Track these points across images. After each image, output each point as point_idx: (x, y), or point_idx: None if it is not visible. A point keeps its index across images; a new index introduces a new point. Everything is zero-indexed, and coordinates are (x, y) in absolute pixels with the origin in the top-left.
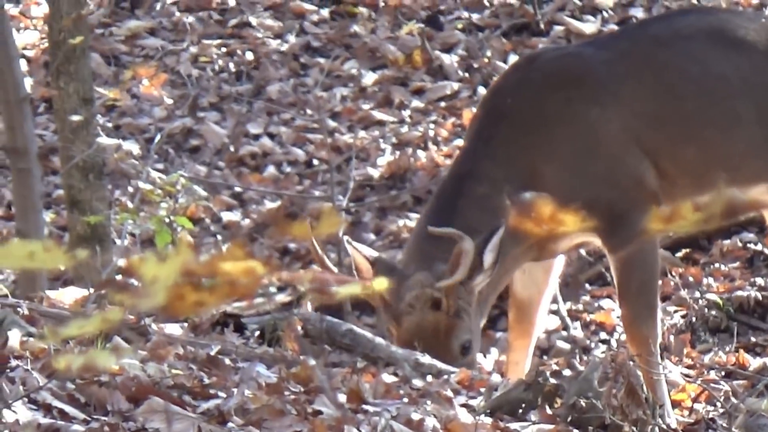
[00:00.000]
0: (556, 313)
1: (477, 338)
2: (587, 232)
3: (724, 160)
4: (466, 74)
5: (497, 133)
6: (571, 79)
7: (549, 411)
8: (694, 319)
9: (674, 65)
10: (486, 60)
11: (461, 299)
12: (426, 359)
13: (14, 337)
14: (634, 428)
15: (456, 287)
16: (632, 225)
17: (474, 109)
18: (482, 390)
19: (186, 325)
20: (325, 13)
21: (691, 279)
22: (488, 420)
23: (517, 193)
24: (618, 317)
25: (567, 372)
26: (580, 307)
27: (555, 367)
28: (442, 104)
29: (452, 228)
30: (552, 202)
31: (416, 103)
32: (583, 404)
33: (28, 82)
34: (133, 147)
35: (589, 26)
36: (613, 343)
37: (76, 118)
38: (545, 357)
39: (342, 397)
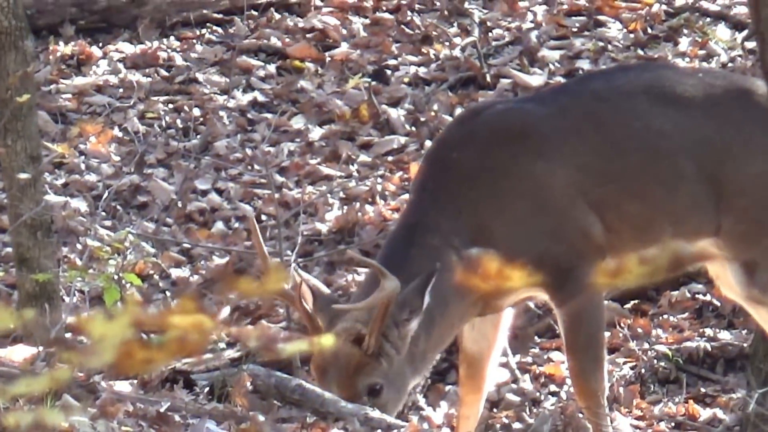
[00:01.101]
0: (505, 365)
1: (399, 387)
2: (534, 286)
3: (667, 214)
4: (413, 128)
5: (443, 186)
6: (515, 134)
7: None
8: (643, 370)
9: (615, 121)
10: (433, 113)
11: (390, 342)
12: (375, 414)
13: None
14: None
15: (384, 328)
16: (579, 278)
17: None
18: None
19: (135, 382)
20: (271, 68)
21: (639, 330)
22: None
23: (465, 246)
24: (567, 369)
25: (517, 425)
26: (530, 359)
27: (505, 420)
28: (390, 158)
29: (404, 275)
30: (498, 258)
31: (364, 157)
32: None
33: None
34: (80, 204)
35: (536, 78)
36: (563, 395)
37: (23, 175)
38: (495, 410)
39: None
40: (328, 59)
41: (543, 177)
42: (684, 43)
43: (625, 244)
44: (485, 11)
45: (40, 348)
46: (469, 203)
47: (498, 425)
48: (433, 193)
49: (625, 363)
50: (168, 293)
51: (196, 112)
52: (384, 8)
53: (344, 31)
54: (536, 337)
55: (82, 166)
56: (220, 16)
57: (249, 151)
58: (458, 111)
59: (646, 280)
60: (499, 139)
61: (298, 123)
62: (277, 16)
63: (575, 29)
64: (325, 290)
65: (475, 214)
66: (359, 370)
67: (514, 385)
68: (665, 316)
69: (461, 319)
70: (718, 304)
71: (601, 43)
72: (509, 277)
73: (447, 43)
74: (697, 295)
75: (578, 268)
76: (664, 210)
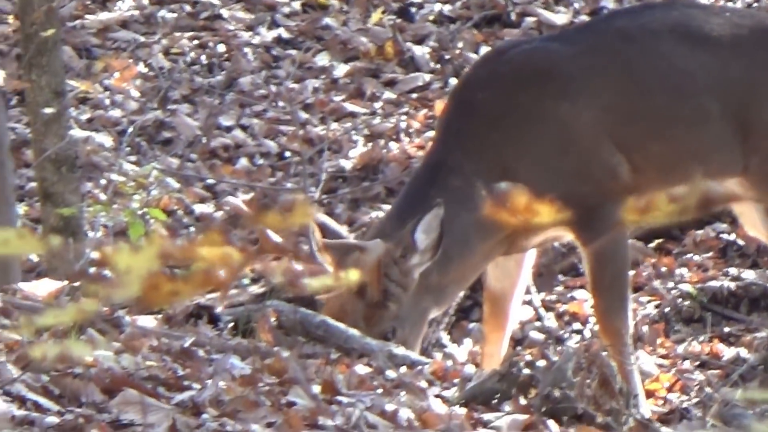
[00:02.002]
0: (529, 303)
1: (416, 321)
2: (559, 226)
3: (693, 154)
4: (438, 66)
5: (468, 127)
6: (540, 74)
7: (523, 401)
8: (667, 309)
9: (640, 60)
10: (457, 51)
11: (394, 281)
12: (400, 351)
13: None
14: (608, 418)
15: (384, 269)
16: (605, 218)
17: (446, 101)
18: (456, 381)
19: (160, 317)
20: (296, 5)
21: (664, 269)
22: (462, 411)
23: (488, 187)
24: (591, 308)
25: (541, 363)
26: (554, 297)
27: (529, 358)
28: (414, 96)
29: (423, 215)
30: (527, 192)
31: (388, 94)
32: (557, 395)
33: (0, 75)
34: (105, 140)
35: (560, 17)
36: (587, 334)
37: (48, 110)
38: (519, 348)
39: (316, 389)
40: None
41: (568, 117)
42: None
43: (651, 183)
44: None
45: (65, 282)
46: (493, 144)
47: (521, 363)
48: (457, 134)
49: (649, 302)
50: (192, 228)
51: (221, 48)
52: None
53: None
54: (560, 276)
55: (107, 102)
56: None
57: (273, 88)
58: (483, 49)
59: (674, 219)
60: (524, 80)
61: (322, 60)
62: None
63: None
64: (334, 226)
65: (499, 154)
66: (368, 321)
67: (537, 323)
68: (689, 255)
69: (486, 257)
70: (743, 243)
71: None
72: (537, 212)
73: None
74: (721, 235)
75: (604, 208)
76: (689, 150)
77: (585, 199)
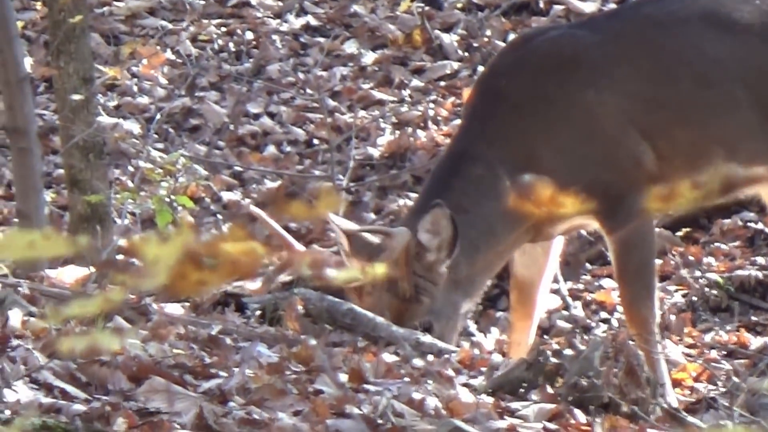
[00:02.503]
0: (556, 292)
1: (450, 314)
2: (585, 214)
3: (720, 142)
4: (466, 54)
5: (492, 115)
6: (566, 61)
7: (550, 390)
8: (694, 298)
9: (669, 48)
10: (485, 39)
11: (421, 277)
12: (426, 339)
13: (15, 317)
14: (635, 407)
15: (408, 267)
16: (630, 206)
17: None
18: (483, 369)
19: (187, 304)
20: None
21: (691, 258)
22: (489, 399)
23: (511, 175)
24: (618, 297)
25: (568, 351)
26: (581, 286)
27: (556, 347)
28: (442, 84)
29: (443, 203)
30: (551, 184)
31: (416, 82)
32: (584, 383)
33: (28, 62)
34: (132, 126)
35: (588, 5)
36: (614, 323)
37: (76, 97)
38: (546, 336)
39: (343, 377)
40: None
41: (593, 104)
42: None
43: (677, 171)
44: None
45: (92, 269)
46: (518, 132)
47: (549, 352)
48: (482, 122)
49: (676, 291)
50: (219, 216)
51: (249, 35)
52: None
53: None
54: (587, 264)
55: (134, 89)
56: None
57: (301, 75)
58: (511, 37)
59: (698, 205)
60: (550, 67)
61: (350, 47)
62: None
63: None
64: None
65: (523, 142)
66: (401, 316)
67: (565, 312)
68: (717, 244)
69: (512, 245)
70: None
71: None
72: (562, 203)
73: None
74: (749, 224)
75: (629, 196)
76: (716, 138)
77: (610, 188)
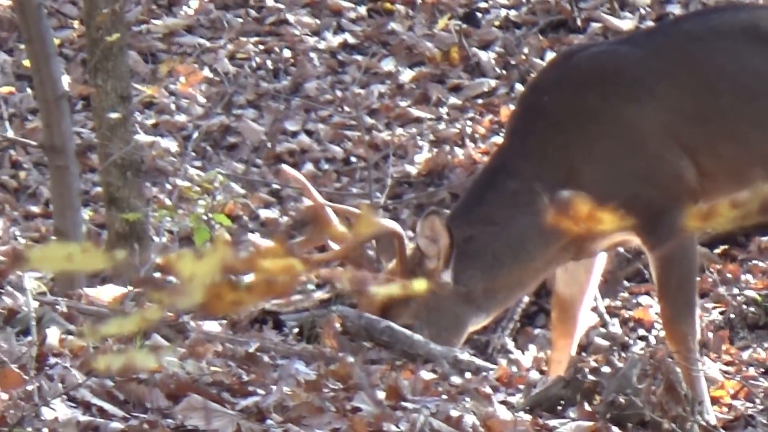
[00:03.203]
0: (594, 309)
1: (447, 325)
2: (625, 230)
3: (762, 156)
4: (504, 71)
5: (532, 131)
6: (608, 76)
7: (588, 408)
8: (732, 315)
9: (709, 62)
10: (523, 57)
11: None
12: (465, 356)
13: (53, 335)
14: (673, 425)
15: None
16: (672, 222)
17: (511, 106)
18: (521, 387)
19: (225, 322)
20: (362, 10)
21: (729, 276)
22: (527, 417)
23: (550, 191)
24: (656, 314)
25: (606, 369)
26: (619, 303)
27: (594, 364)
28: (480, 101)
29: (466, 216)
30: (590, 200)
31: (453, 100)
32: (622, 401)
33: (65, 80)
34: (170, 144)
35: (626, 23)
36: (652, 340)
37: (113, 115)
38: (584, 354)
39: (381, 394)
40: (419, 1)
41: (635, 119)
42: None
43: (720, 187)
44: None
45: (129, 287)
46: (558, 147)
47: (586, 369)
48: (522, 137)
49: (714, 308)
50: (257, 234)
51: (287, 53)
52: None
53: None
54: (625, 282)
55: (172, 107)
56: None
57: (339, 93)
58: (548, 54)
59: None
60: (591, 82)
61: (388, 65)
62: None
63: None
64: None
65: (564, 158)
66: (386, 311)
67: (602, 330)
68: (754, 262)
69: (548, 263)
70: None
71: None
72: (601, 220)
73: None
74: None
75: (671, 212)
76: (759, 152)
77: (651, 203)
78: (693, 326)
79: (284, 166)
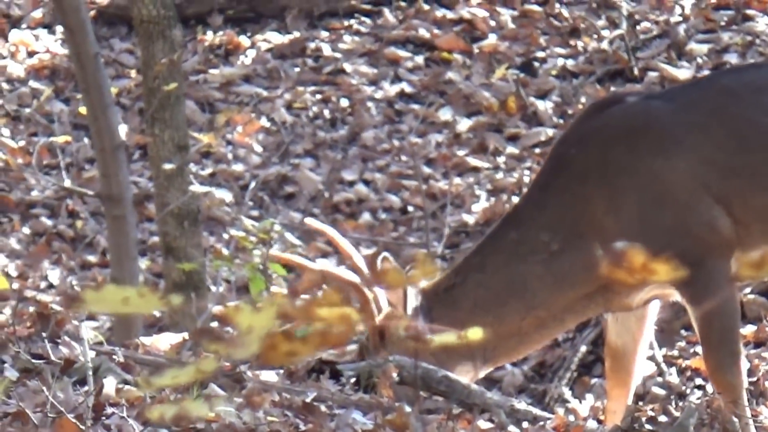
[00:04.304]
0: (651, 358)
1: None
2: (662, 283)
3: None
4: (561, 120)
5: (554, 182)
6: (637, 130)
7: None
8: None
9: (743, 116)
10: (580, 106)
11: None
12: (522, 406)
13: (110, 385)
14: None
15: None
16: (709, 273)
17: None
18: None
19: (281, 371)
20: (419, 59)
21: None
22: None
23: (559, 242)
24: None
25: (663, 418)
26: (676, 353)
27: (651, 413)
28: (537, 150)
29: (462, 263)
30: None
31: (511, 149)
32: None
33: (122, 129)
34: (226, 194)
35: (683, 72)
36: (709, 389)
37: (169, 166)
38: (641, 403)
39: None
40: (476, 51)
41: (663, 171)
42: None
43: (755, 237)
44: (633, 4)
45: (186, 336)
46: (579, 199)
47: (643, 418)
48: (543, 188)
49: None
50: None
51: (344, 102)
52: (532, 0)
53: (492, 23)
54: (682, 331)
55: (229, 156)
56: (368, 6)
57: (396, 142)
58: None
59: None
60: (619, 136)
61: (445, 114)
62: (426, 6)
63: (723, 23)
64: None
65: (584, 210)
66: (369, 346)
67: (659, 378)
68: None
69: (568, 311)
70: None
71: (748, 37)
72: (632, 272)
73: (595, 36)
74: None
75: (707, 263)
76: None
77: (684, 254)
78: (739, 376)
79: (309, 219)
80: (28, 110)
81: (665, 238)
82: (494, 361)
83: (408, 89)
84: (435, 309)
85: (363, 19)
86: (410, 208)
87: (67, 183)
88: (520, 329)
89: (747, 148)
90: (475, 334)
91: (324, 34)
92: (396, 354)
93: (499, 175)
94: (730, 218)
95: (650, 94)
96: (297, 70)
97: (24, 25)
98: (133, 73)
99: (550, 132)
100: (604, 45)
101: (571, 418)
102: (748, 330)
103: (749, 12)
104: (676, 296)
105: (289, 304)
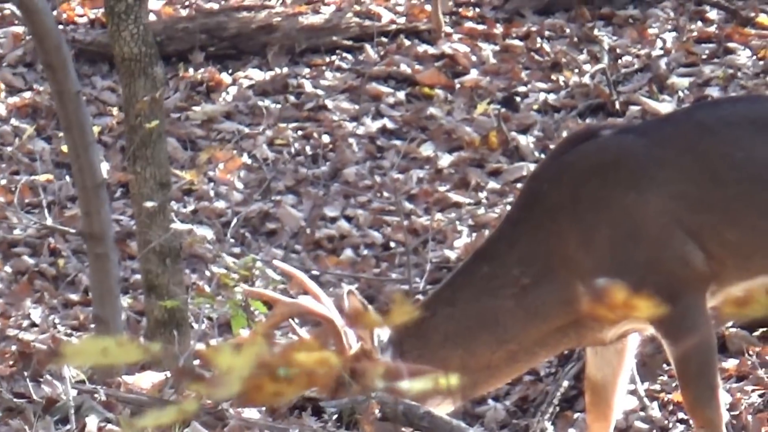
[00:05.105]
0: (633, 393)
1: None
2: (635, 319)
3: None
4: (543, 155)
5: (526, 217)
6: (608, 163)
7: None
8: None
9: (716, 151)
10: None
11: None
12: None
13: (92, 423)
14: None
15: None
16: (684, 308)
17: None
18: None
19: (264, 409)
20: (401, 95)
21: None
22: None
23: (530, 277)
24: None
25: None
26: (658, 387)
27: None
28: (519, 185)
29: (433, 296)
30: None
31: (493, 184)
32: None
33: (104, 167)
34: (207, 232)
35: (665, 106)
36: (692, 423)
37: (149, 204)
38: None
39: None
40: (457, 86)
41: (635, 206)
42: None
43: (730, 272)
44: (614, 38)
45: (169, 375)
46: (551, 234)
47: None
48: (515, 223)
49: (753, 391)
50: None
51: (326, 138)
52: (514, 35)
53: (474, 58)
54: (664, 365)
55: (211, 193)
56: (349, 42)
57: (378, 178)
58: None
59: None
60: (592, 171)
61: (427, 150)
62: (407, 42)
63: (705, 56)
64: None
65: (557, 245)
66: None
67: (642, 413)
68: None
69: (539, 345)
70: None
71: (730, 71)
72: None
73: (576, 70)
74: None
75: (682, 298)
76: (765, 241)
77: (658, 291)
78: (718, 410)
79: (277, 262)
80: (9, 149)
81: (638, 273)
82: (465, 395)
83: (389, 125)
84: (405, 342)
85: (344, 55)
86: (392, 244)
87: (49, 221)
88: (490, 362)
89: (720, 183)
90: (453, 379)
91: (305, 70)
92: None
93: (481, 211)
94: (703, 253)
95: (624, 128)
96: (278, 106)
97: (5, 64)
98: (114, 110)
99: (532, 167)
100: (586, 79)
101: None
102: (730, 363)
103: (731, 45)
104: (650, 330)
105: (269, 349)
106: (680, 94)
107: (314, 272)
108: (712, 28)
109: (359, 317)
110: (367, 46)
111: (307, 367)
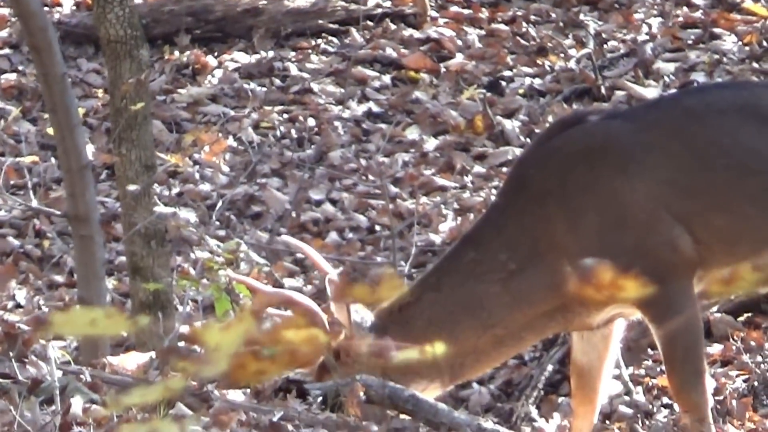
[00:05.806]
0: (618, 377)
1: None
2: (623, 303)
3: (756, 230)
4: (528, 139)
5: (514, 202)
6: (595, 149)
7: None
8: (756, 383)
9: (704, 137)
10: (547, 125)
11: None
12: (489, 425)
13: (77, 404)
14: None
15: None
16: (672, 293)
17: None
18: None
19: (249, 391)
20: (386, 79)
21: (752, 343)
22: None
23: (518, 262)
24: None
25: None
26: (642, 371)
27: None
28: (504, 169)
29: (418, 282)
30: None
31: (478, 168)
32: None
33: (89, 149)
34: (191, 215)
35: (650, 91)
36: (676, 408)
37: (132, 187)
38: (607, 422)
39: None
40: (443, 70)
41: (622, 191)
42: None
43: (717, 257)
44: (600, 23)
45: (153, 356)
46: (539, 219)
47: None
48: (502, 208)
49: (737, 376)
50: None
51: (311, 122)
52: (499, 19)
53: (459, 42)
54: (649, 349)
55: (197, 176)
56: (335, 26)
57: (363, 162)
58: None
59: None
60: (579, 156)
61: (412, 134)
62: (393, 26)
63: (690, 42)
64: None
65: (545, 230)
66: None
67: (626, 397)
68: None
69: (526, 329)
70: None
71: (716, 56)
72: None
73: (562, 55)
74: None
75: (670, 283)
76: (754, 225)
77: (645, 275)
78: (704, 394)
79: (285, 237)
80: None
81: (626, 258)
82: (452, 379)
83: (375, 109)
84: (390, 328)
85: (330, 38)
86: (377, 228)
87: (34, 203)
88: (476, 347)
89: (708, 169)
90: (439, 348)
91: (291, 53)
92: (355, 373)
93: (467, 195)
94: (691, 238)
95: (611, 113)
96: (264, 89)
97: None
98: (100, 93)
99: (517, 151)
100: (571, 64)
101: None
102: (715, 349)
103: (716, 31)
104: (637, 315)
105: (256, 328)
106: (666, 79)
107: (299, 255)
108: (698, 14)
109: (346, 291)
110: (353, 30)
111: (292, 346)
